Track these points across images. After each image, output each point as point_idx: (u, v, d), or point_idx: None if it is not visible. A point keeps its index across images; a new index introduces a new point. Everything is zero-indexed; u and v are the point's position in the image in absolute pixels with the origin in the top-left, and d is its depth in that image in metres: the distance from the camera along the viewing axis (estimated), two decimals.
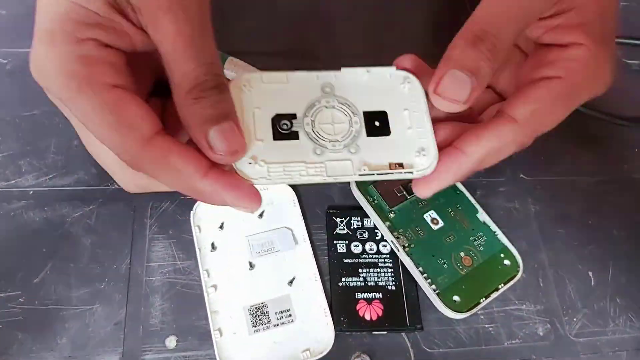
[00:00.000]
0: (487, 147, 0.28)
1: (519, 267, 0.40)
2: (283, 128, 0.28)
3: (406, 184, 0.42)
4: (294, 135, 0.28)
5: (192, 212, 0.39)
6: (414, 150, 0.28)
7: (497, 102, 0.32)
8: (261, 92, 0.28)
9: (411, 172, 0.28)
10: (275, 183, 0.27)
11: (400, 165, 0.28)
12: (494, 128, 0.28)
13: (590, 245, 0.43)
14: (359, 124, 0.28)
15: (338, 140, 0.28)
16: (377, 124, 0.29)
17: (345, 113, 0.29)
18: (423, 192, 0.28)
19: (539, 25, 0.30)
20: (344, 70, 0.29)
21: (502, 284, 0.39)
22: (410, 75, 0.29)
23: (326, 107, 0.28)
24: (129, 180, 0.31)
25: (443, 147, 0.29)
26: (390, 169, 0.28)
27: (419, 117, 0.29)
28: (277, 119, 0.28)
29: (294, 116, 0.28)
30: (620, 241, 0.44)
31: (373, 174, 0.28)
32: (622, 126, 0.49)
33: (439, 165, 0.28)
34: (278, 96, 0.28)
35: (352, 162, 0.28)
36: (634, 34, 0.53)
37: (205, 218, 0.39)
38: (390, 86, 0.29)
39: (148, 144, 0.25)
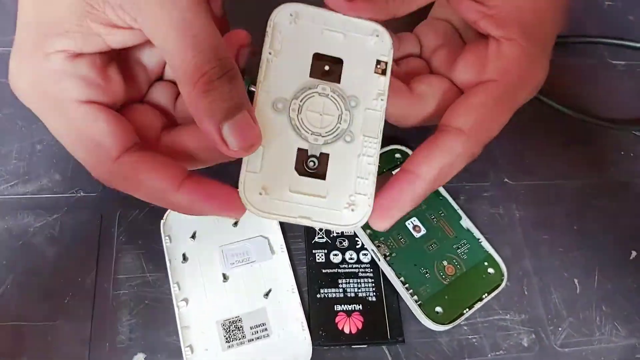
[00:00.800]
0: (439, 165, 0.27)
1: (503, 275, 0.39)
2: (311, 167, 0.27)
3: None
4: (325, 158, 0.27)
5: (162, 222, 0.37)
6: (368, 40, 0.29)
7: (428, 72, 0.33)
8: (264, 174, 0.26)
9: (390, 56, 0.29)
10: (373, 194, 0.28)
11: (379, 62, 0.29)
12: (442, 143, 0.28)
13: (575, 252, 0.42)
14: (327, 87, 0.28)
15: (341, 113, 0.28)
16: (327, 68, 0.28)
17: (312, 87, 0.28)
18: (381, 224, 0.28)
19: (474, 8, 0.30)
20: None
21: (486, 294, 0.38)
22: (295, 6, 0.28)
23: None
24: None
25: None
26: (380, 73, 0.29)
27: (335, 20, 0.28)
28: (301, 166, 0.27)
29: (305, 152, 0.27)
30: (606, 246, 0.43)
31: (386, 91, 0.28)
32: (607, 128, 0.48)
33: (393, 193, 0.27)
34: (281, 162, 0.27)
35: (368, 109, 0.28)
36: (620, 35, 0.53)
37: (176, 227, 0.37)
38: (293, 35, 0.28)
39: (116, 163, 0.25)
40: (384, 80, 0.28)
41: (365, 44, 0.29)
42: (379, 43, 0.29)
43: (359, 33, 0.28)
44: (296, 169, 0.27)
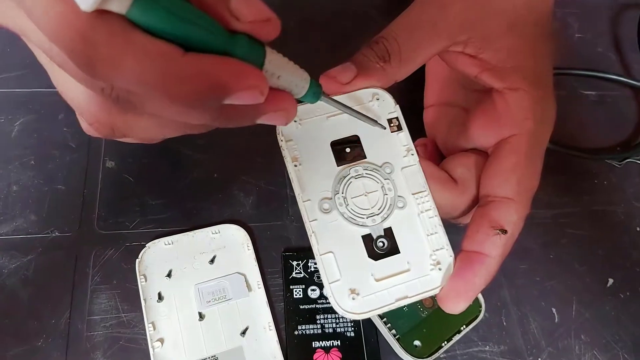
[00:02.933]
0: (503, 238, 0.28)
1: (481, 306, 0.39)
2: (382, 247, 0.28)
3: None
4: (390, 233, 0.28)
5: (137, 260, 0.36)
6: (371, 106, 0.29)
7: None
8: (345, 278, 0.27)
9: (397, 110, 0.30)
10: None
11: (390, 120, 0.29)
12: (499, 216, 0.28)
13: (552, 280, 0.42)
14: (358, 168, 0.28)
15: (382, 185, 0.28)
16: (348, 150, 0.29)
17: (346, 175, 0.28)
18: (457, 307, 0.28)
19: (471, 62, 0.31)
20: None
21: (465, 326, 0.38)
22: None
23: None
24: (95, 113, 0.24)
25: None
26: (397, 130, 0.29)
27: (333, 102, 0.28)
28: (373, 252, 0.27)
29: (369, 237, 0.28)
30: (583, 275, 0.43)
31: (410, 143, 0.29)
32: (581, 158, 0.49)
33: (467, 275, 0.28)
34: (355, 259, 0.27)
35: (404, 168, 0.29)
36: (590, 66, 0.54)
37: (151, 266, 0.37)
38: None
39: (98, 19, 0.18)
40: (404, 135, 0.29)
41: (371, 110, 0.29)
42: (382, 104, 0.29)
43: (360, 104, 0.29)
44: (370, 256, 0.27)
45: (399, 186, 0.28)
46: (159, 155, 0.42)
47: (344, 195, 0.28)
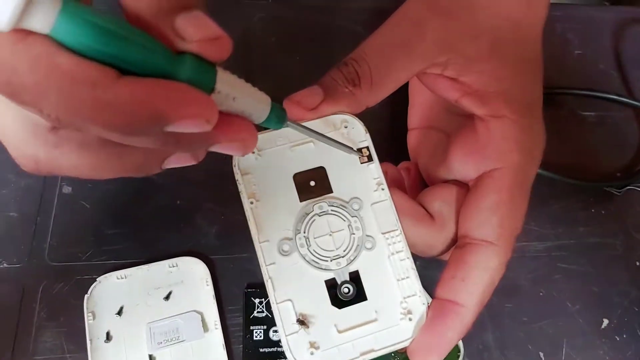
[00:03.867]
0: (480, 288, 0.26)
1: (459, 351, 0.36)
2: (347, 294, 0.25)
3: None
4: (357, 277, 0.25)
5: (86, 296, 0.34)
6: (339, 134, 0.27)
7: None
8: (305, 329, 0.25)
9: (368, 139, 0.27)
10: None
11: (360, 150, 0.27)
12: (475, 262, 0.26)
13: (541, 321, 0.39)
14: (322, 204, 0.26)
15: (349, 223, 0.26)
16: (313, 183, 0.26)
17: (309, 212, 0.26)
18: None
19: (452, 86, 0.28)
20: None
21: None
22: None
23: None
24: (17, 145, 0.22)
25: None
26: (367, 161, 0.27)
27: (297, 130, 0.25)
28: (337, 299, 0.25)
29: (333, 281, 0.25)
30: (575, 315, 0.40)
31: (381, 176, 0.27)
32: (577, 185, 0.45)
33: (439, 329, 0.25)
34: (316, 307, 0.25)
35: (374, 204, 0.26)
36: (590, 85, 0.51)
37: (101, 303, 0.34)
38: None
39: (19, 41, 0.16)
40: (375, 167, 0.26)
41: (341, 138, 0.26)
42: (351, 132, 0.27)
43: (331, 130, 0.26)
44: (334, 304, 0.25)
45: (368, 224, 0.26)
46: (122, 181, 0.40)
47: (306, 235, 0.25)
